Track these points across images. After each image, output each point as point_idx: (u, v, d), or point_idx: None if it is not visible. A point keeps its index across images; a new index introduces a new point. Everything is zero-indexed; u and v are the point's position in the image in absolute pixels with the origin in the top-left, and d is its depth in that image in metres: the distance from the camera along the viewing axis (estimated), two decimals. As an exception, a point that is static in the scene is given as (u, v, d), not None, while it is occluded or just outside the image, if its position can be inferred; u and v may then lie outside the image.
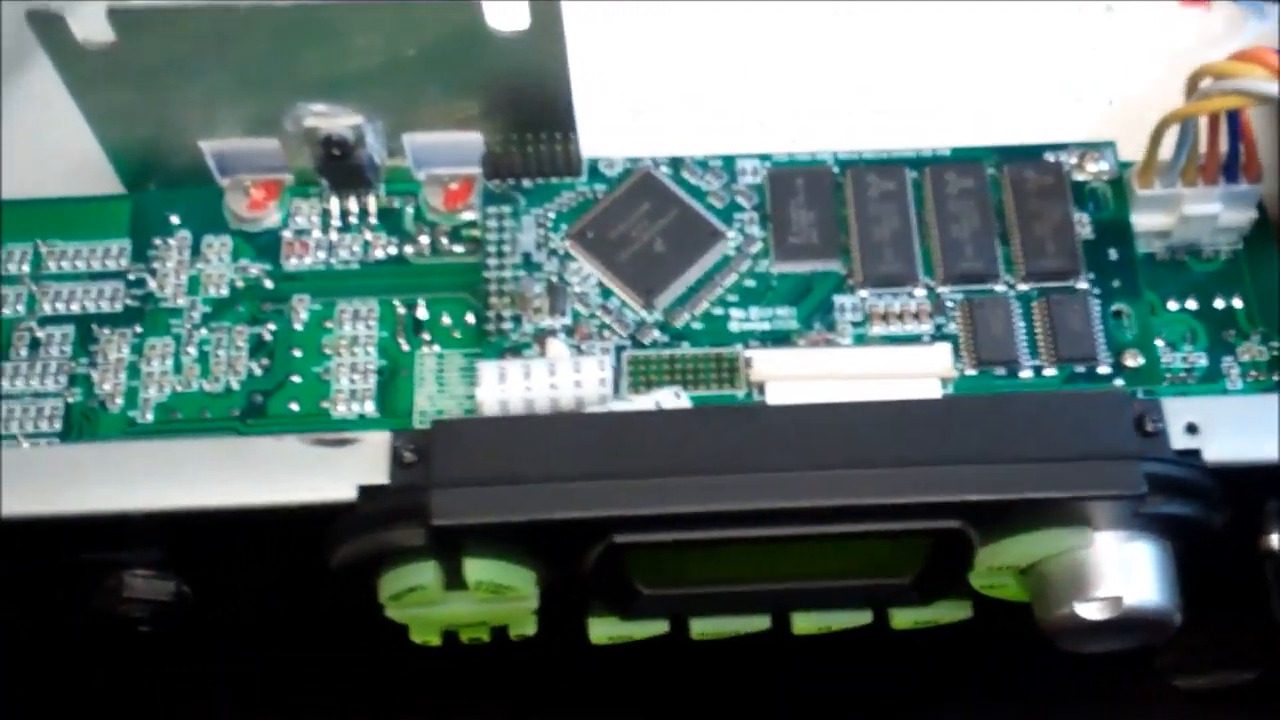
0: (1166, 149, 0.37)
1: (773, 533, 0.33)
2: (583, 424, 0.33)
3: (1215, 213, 0.38)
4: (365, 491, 0.32)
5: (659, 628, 0.37)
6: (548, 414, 0.34)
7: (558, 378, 0.34)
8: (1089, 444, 0.33)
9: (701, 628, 0.37)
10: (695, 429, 0.33)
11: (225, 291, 0.38)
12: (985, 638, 0.38)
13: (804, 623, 0.37)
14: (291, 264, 0.38)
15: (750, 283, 0.37)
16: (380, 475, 0.32)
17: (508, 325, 0.36)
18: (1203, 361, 0.37)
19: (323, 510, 0.32)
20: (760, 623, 0.37)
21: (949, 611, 0.37)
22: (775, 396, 0.35)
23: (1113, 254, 0.37)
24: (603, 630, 0.37)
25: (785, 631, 0.38)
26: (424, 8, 0.35)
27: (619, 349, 0.36)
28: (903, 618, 0.37)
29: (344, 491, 0.32)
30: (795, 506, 0.32)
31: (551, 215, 0.38)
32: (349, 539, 0.33)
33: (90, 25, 0.34)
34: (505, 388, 0.33)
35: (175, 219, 0.38)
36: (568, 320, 0.36)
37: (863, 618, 0.38)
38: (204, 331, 0.37)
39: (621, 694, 0.44)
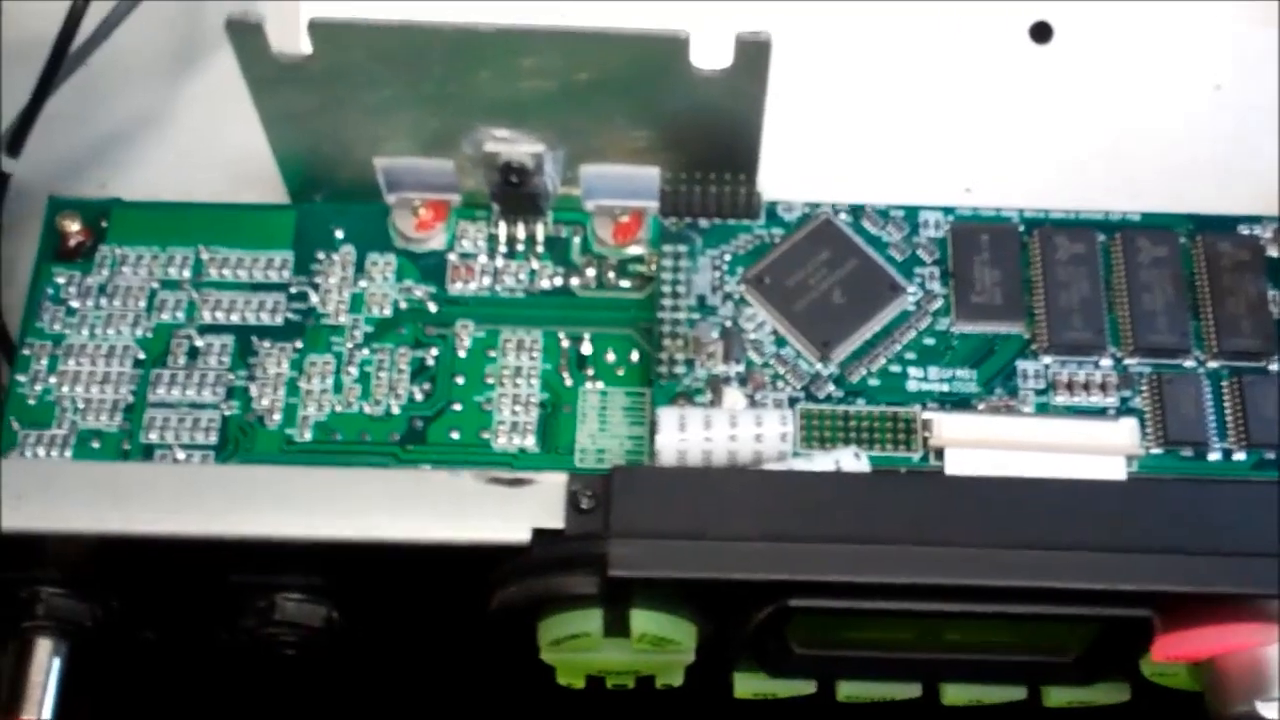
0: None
1: (949, 608, 0.32)
2: (763, 482, 0.32)
3: None
4: (540, 535, 0.31)
5: (806, 688, 0.36)
6: (729, 468, 0.33)
7: (738, 430, 0.33)
8: (1284, 539, 0.32)
9: (849, 691, 0.36)
10: (875, 495, 0.32)
11: (389, 312, 0.37)
12: (1142, 722, 0.38)
13: (955, 694, 0.36)
14: (456, 288, 0.37)
15: (930, 341, 0.36)
16: (554, 519, 0.31)
17: (680, 369, 0.35)
18: (1378, 453, 0.37)
19: (494, 551, 0.32)
20: (910, 690, 0.36)
21: (1107, 693, 0.36)
22: (954, 462, 0.34)
23: (1304, 336, 0.37)
24: (748, 686, 0.36)
25: (934, 701, 0.37)
26: (628, 37, 0.34)
27: (792, 401, 0.35)
28: (1058, 696, 0.36)
29: (518, 533, 0.31)
30: (974, 585, 0.31)
31: (727, 258, 0.37)
32: (517, 581, 0.32)
33: (286, 35, 0.34)
34: (685, 436, 0.32)
35: (340, 233, 0.38)
36: (741, 368, 0.36)
37: (1017, 693, 0.37)
38: (366, 351, 0.36)
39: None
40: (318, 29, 0.33)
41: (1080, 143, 0.40)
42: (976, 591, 0.32)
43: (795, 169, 0.39)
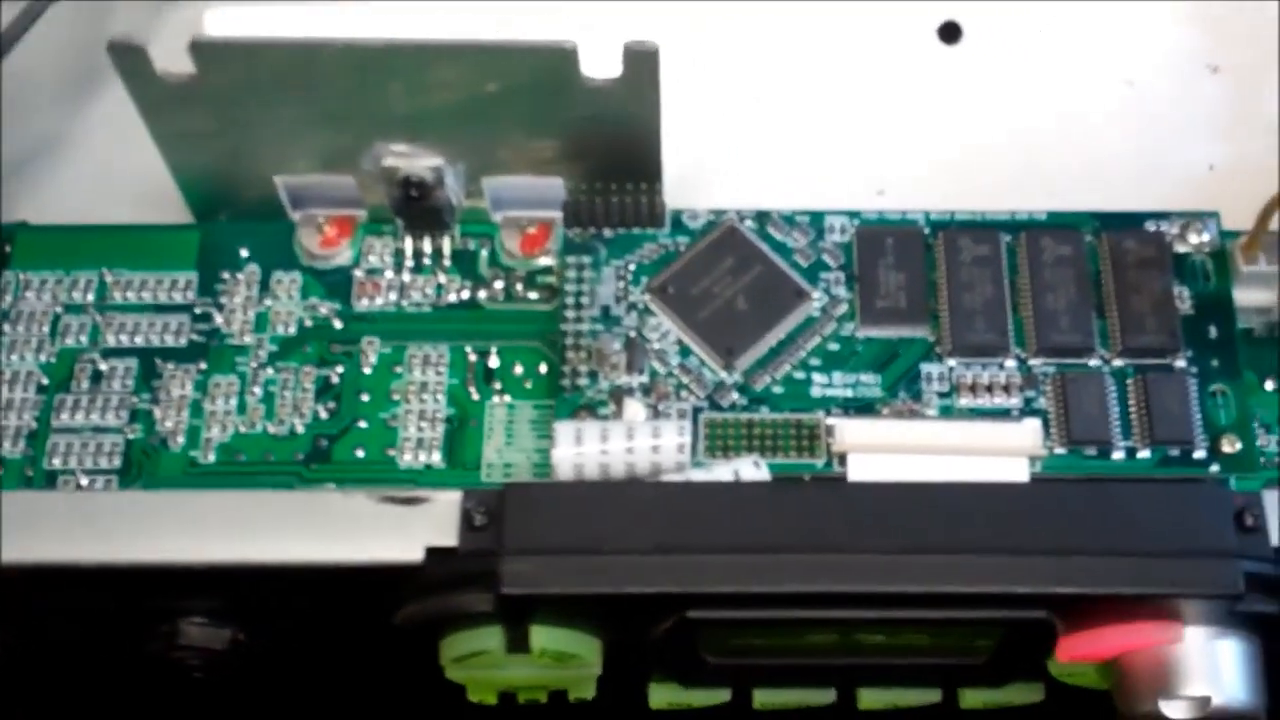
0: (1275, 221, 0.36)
1: (850, 615, 0.32)
2: (660, 493, 0.32)
3: (1323, 293, 0.37)
4: (433, 554, 0.31)
5: (720, 696, 0.36)
6: (624, 481, 0.33)
7: (635, 442, 0.32)
8: (1187, 539, 0.31)
9: (765, 699, 0.36)
10: (775, 504, 0.32)
11: (293, 330, 0.37)
12: (1060, 722, 0.37)
13: (871, 698, 0.36)
14: (362, 304, 0.37)
15: (834, 346, 0.36)
16: (449, 537, 0.31)
17: (583, 381, 0.35)
18: (1301, 446, 0.37)
19: (389, 571, 0.32)
20: (825, 696, 0.36)
21: (1021, 694, 0.36)
22: (857, 468, 0.34)
23: (1212, 331, 0.36)
24: (663, 696, 0.36)
25: (850, 706, 0.37)
26: (517, 50, 0.33)
27: (696, 411, 0.35)
28: (973, 698, 0.36)
29: (411, 553, 0.31)
30: (875, 591, 0.31)
31: (632, 267, 0.36)
32: (414, 601, 0.32)
33: (170, 56, 0.34)
34: (581, 450, 0.32)
35: (245, 252, 0.37)
36: (645, 378, 0.35)
37: (931, 696, 0.37)
38: (270, 371, 0.36)
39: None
40: (200, 48, 0.33)
41: (993, 142, 0.40)
42: (873, 598, 0.31)
43: (706, 177, 0.39)
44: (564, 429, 0.33)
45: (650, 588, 0.31)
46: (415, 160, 0.36)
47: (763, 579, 0.31)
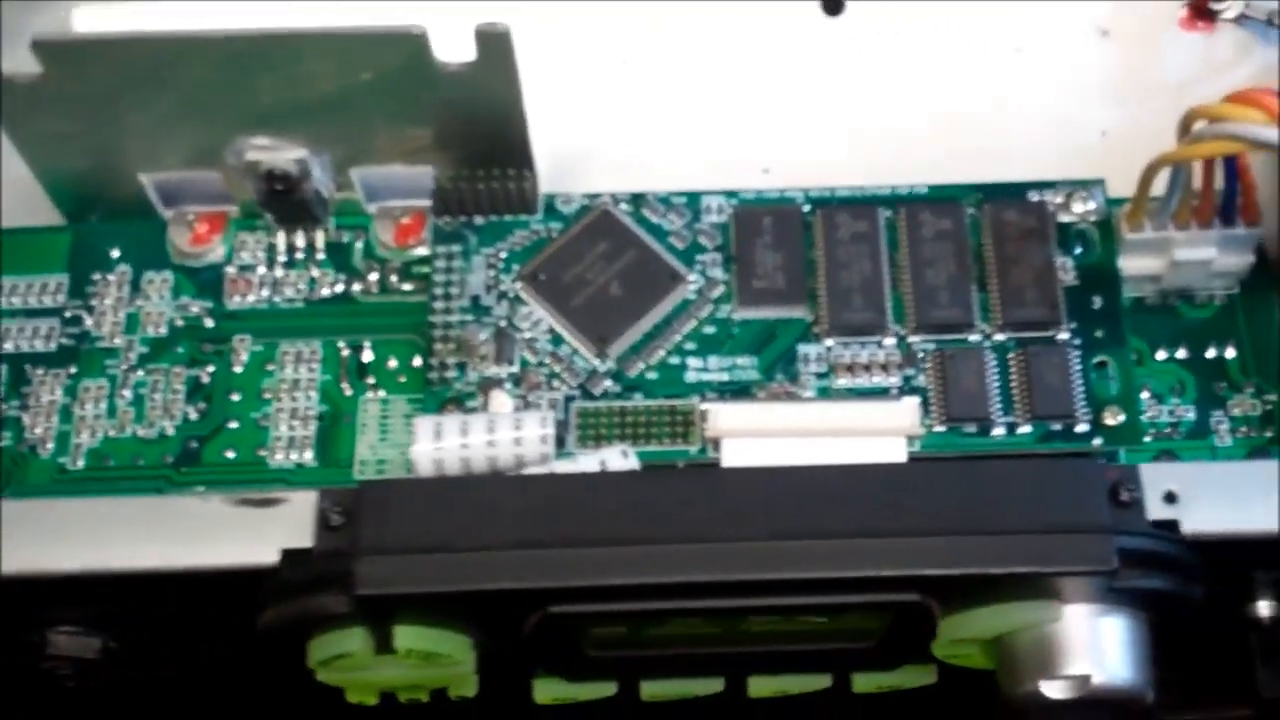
0: (1159, 187, 0.35)
1: (719, 604, 0.31)
2: (520, 487, 0.31)
3: (1209, 257, 0.36)
4: (289, 556, 0.31)
5: (606, 689, 0.35)
6: (484, 476, 0.32)
7: (497, 435, 0.32)
8: (1059, 515, 0.31)
9: (652, 690, 0.35)
10: (641, 493, 0.31)
11: (164, 331, 0.36)
12: (951, 704, 0.37)
13: (760, 686, 0.36)
14: (234, 302, 0.36)
15: (710, 330, 0.35)
16: (304, 538, 0.31)
17: (451, 374, 0.35)
18: (1190, 415, 0.35)
19: (247, 575, 0.31)
20: (714, 685, 0.36)
21: (912, 677, 0.35)
22: (731, 453, 0.33)
23: (1097, 301, 0.35)
24: (548, 691, 0.35)
25: (740, 694, 0.37)
26: (369, 38, 0.33)
27: (568, 400, 0.34)
28: (864, 682, 0.36)
29: (267, 555, 0.31)
30: (744, 580, 0.31)
31: (503, 255, 0.36)
32: (273, 604, 0.31)
33: (16, 57, 0.33)
34: (441, 444, 0.32)
35: (116, 253, 0.37)
36: (515, 369, 0.35)
37: (821, 681, 0.36)
38: (140, 373, 0.36)
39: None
40: (43, 48, 0.32)
41: (880, 115, 0.39)
42: (738, 586, 0.31)
43: (586, 161, 0.38)
44: (423, 424, 0.32)
45: (508, 584, 0.30)
46: (278, 153, 0.35)
47: (624, 571, 0.30)
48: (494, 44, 0.32)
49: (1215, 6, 0.39)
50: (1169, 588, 0.32)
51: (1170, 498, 0.32)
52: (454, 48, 0.33)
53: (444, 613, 0.31)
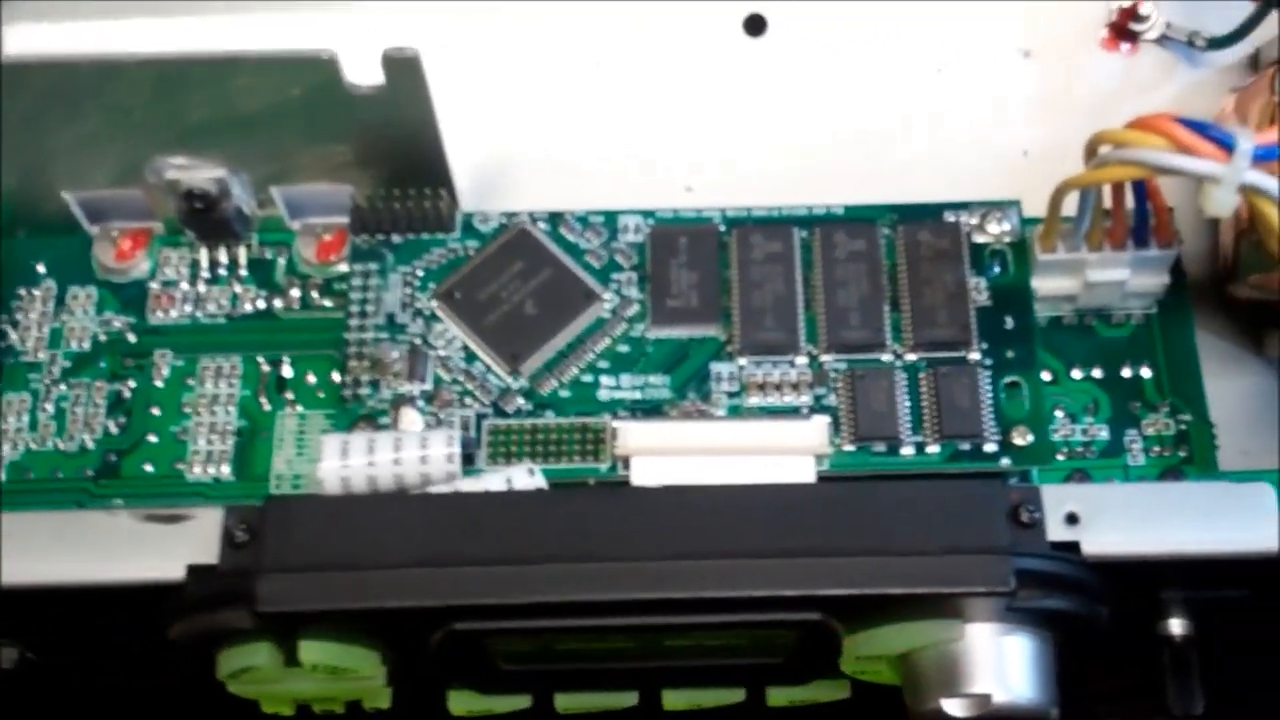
0: (1071, 209, 0.35)
1: (620, 623, 0.31)
2: (424, 506, 0.31)
3: (1122, 278, 0.36)
4: (194, 572, 0.31)
5: (521, 702, 0.36)
6: (387, 494, 0.32)
7: (403, 453, 0.32)
8: (958, 536, 0.31)
9: (566, 703, 0.36)
10: (546, 512, 0.32)
11: (87, 345, 0.36)
12: (864, 719, 0.37)
13: (674, 699, 0.36)
14: (157, 317, 0.37)
15: (624, 348, 0.35)
16: (210, 555, 0.31)
17: (365, 390, 0.35)
18: (1104, 435, 0.35)
19: (154, 589, 0.32)
20: (628, 699, 0.36)
21: (825, 691, 0.36)
22: (641, 471, 0.34)
23: (1009, 322, 0.35)
24: (462, 704, 0.35)
25: (655, 707, 0.37)
26: (282, 63, 0.33)
27: (480, 417, 0.35)
28: (778, 696, 0.36)
29: (173, 571, 0.31)
30: (645, 599, 0.31)
31: (420, 273, 0.36)
32: (181, 619, 0.32)
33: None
34: (348, 463, 0.32)
35: (41, 268, 0.37)
36: (428, 386, 0.35)
37: (735, 695, 0.36)
38: (63, 387, 0.36)
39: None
40: (-41, 70, 0.33)
41: (804, 135, 0.39)
42: (645, 605, 0.31)
43: (511, 180, 0.38)
44: (330, 442, 0.32)
45: (410, 602, 0.30)
46: (197, 172, 0.35)
47: (527, 589, 0.31)
48: (402, 68, 0.32)
49: (1136, 27, 0.39)
50: (1070, 608, 0.32)
51: (1072, 519, 0.32)
52: (365, 72, 0.33)
53: (349, 629, 0.32)
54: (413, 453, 0.32)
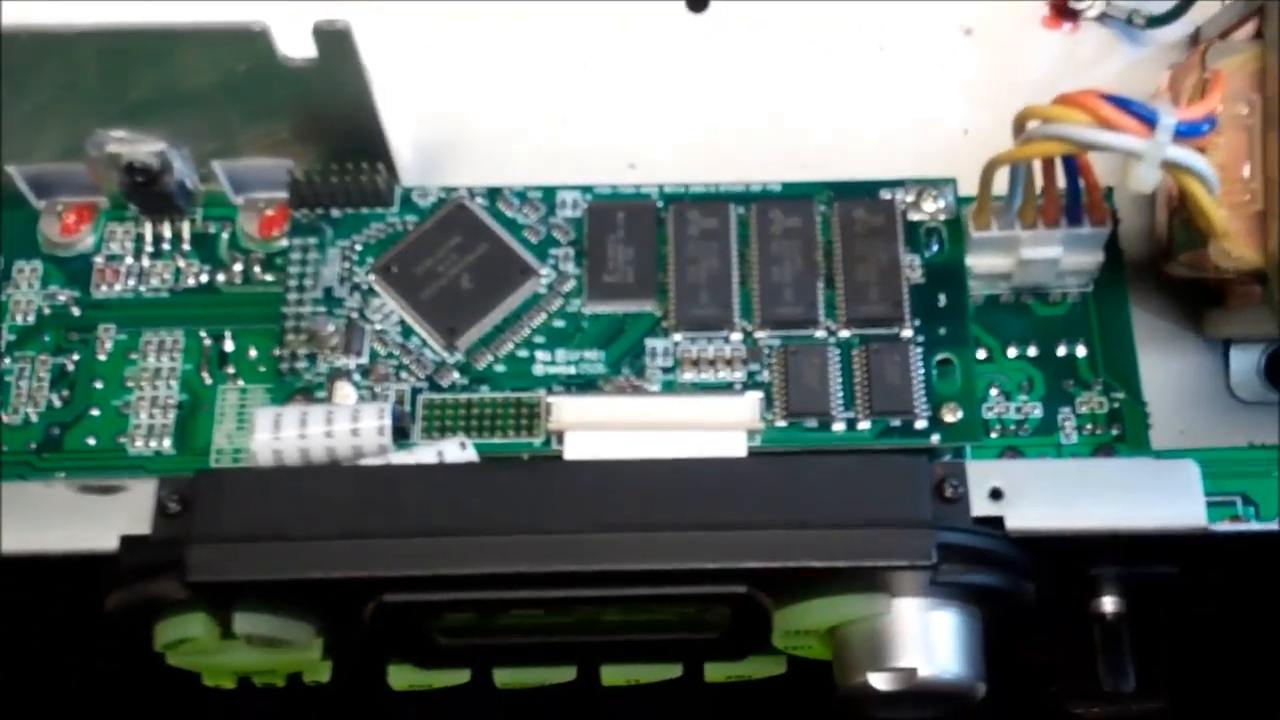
0: (1001, 186, 0.35)
1: (549, 595, 0.32)
2: (354, 478, 0.32)
3: (1055, 256, 0.36)
4: (126, 542, 0.31)
5: (460, 677, 0.36)
6: (318, 466, 0.33)
7: (334, 426, 0.32)
8: (883, 510, 0.31)
9: (505, 678, 0.36)
10: (476, 485, 0.32)
11: (32, 319, 0.37)
12: (800, 694, 0.37)
13: (612, 674, 0.36)
14: (101, 291, 0.37)
15: (560, 323, 0.36)
16: (143, 525, 0.31)
17: (301, 364, 0.35)
18: (1037, 412, 0.36)
19: (88, 560, 0.32)
20: (566, 673, 0.36)
21: (762, 667, 0.36)
22: (574, 446, 0.34)
23: (943, 299, 0.36)
24: (402, 678, 0.35)
25: (594, 682, 0.37)
26: (214, 36, 0.33)
27: (415, 391, 0.35)
28: (715, 671, 0.36)
29: (107, 541, 0.31)
30: (571, 570, 0.31)
31: (358, 248, 0.36)
32: (115, 589, 0.32)
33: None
34: (280, 435, 0.32)
35: (-13, 242, 0.39)
36: (364, 360, 0.35)
37: (673, 670, 0.37)
38: (7, 360, 0.36)
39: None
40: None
41: (745, 112, 0.39)
42: (573, 577, 0.32)
43: (454, 155, 0.39)
44: (262, 415, 0.33)
45: (338, 573, 0.31)
46: (137, 146, 0.36)
47: (455, 561, 0.31)
48: (333, 40, 0.33)
49: (1077, 6, 0.39)
50: (995, 583, 0.32)
51: (996, 494, 0.32)
52: (299, 44, 0.34)
53: (281, 600, 0.32)
54: (344, 426, 0.32)
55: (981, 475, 0.32)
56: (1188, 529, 0.32)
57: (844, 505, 0.32)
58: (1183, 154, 0.31)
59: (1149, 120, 0.31)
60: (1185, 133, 0.31)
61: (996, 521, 0.32)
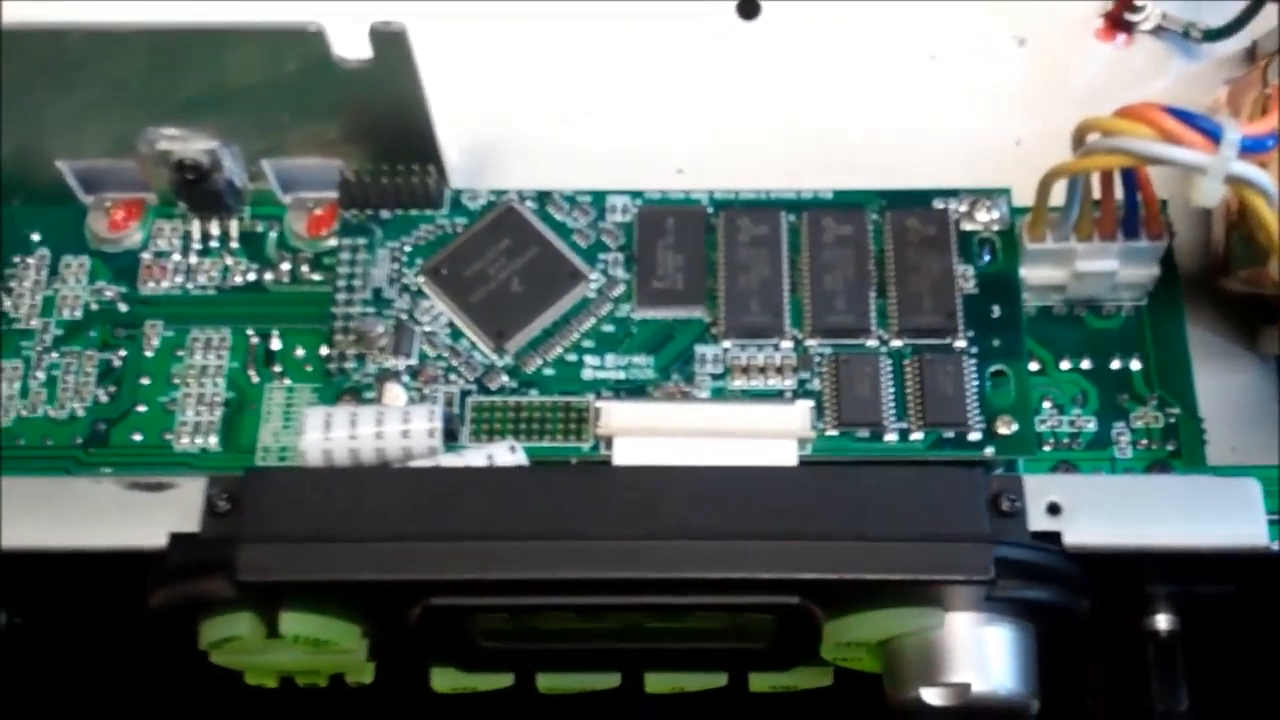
0: (1060, 198, 0.35)
1: (596, 601, 0.32)
2: (404, 480, 0.32)
3: (1112, 269, 0.36)
4: (176, 540, 0.31)
5: (503, 680, 0.36)
6: (369, 467, 0.32)
7: (385, 427, 0.32)
8: (939, 523, 0.31)
9: (549, 683, 0.36)
10: (526, 489, 0.32)
11: (79, 314, 0.37)
12: (847, 707, 0.37)
13: (656, 682, 0.36)
14: (148, 288, 0.37)
15: (609, 328, 0.36)
16: (192, 523, 0.31)
17: (350, 365, 0.35)
18: (1091, 426, 0.35)
19: (136, 556, 0.32)
20: (610, 680, 0.36)
21: (808, 678, 0.36)
22: (623, 452, 0.34)
23: (996, 310, 0.35)
24: (445, 681, 0.35)
25: (637, 689, 0.37)
26: (271, 35, 0.33)
27: (464, 394, 0.35)
28: (760, 681, 0.36)
29: (156, 539, 0.31)
30: (620, 578, 0.31)
31: (408, 249, 0.36)
32: (162, 586, 0.32)
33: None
34: (330, 435, 0.32)
35: (36, 236, 0.37)
36: (413, 361, 0.35)
37: (718, 680, 0.36)
38: (55, 355, 0.36)
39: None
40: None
41: (796, 119, 0.39)
42: (622, 584, 0.31)
43: (503, 158, 0.38)
44: (312, 415, 0.33)
45: (386, 575, 0.31)
46: (188, 143, 0.36)
47: (503, 565, 0.31)
48: (389, 42, 0.32)
49: (1132, 18, 0.39)
50: (1051, 599, 0.32)
51: (1054, 509, 0.32)
52: (355, 45, 0.33)
53: (329, 601, 0.32)
54: (395, 427, 0.32)
55: (1038, 489, 0.32)
56: (1250, 548, 0.32)
57: (899, 517, 0.31)
58: (1247, 169, 0.31)
59: (1213, 135, 0.31)
60: (1250, 148, 0.31)
61: (1054, 537, 0.32)
